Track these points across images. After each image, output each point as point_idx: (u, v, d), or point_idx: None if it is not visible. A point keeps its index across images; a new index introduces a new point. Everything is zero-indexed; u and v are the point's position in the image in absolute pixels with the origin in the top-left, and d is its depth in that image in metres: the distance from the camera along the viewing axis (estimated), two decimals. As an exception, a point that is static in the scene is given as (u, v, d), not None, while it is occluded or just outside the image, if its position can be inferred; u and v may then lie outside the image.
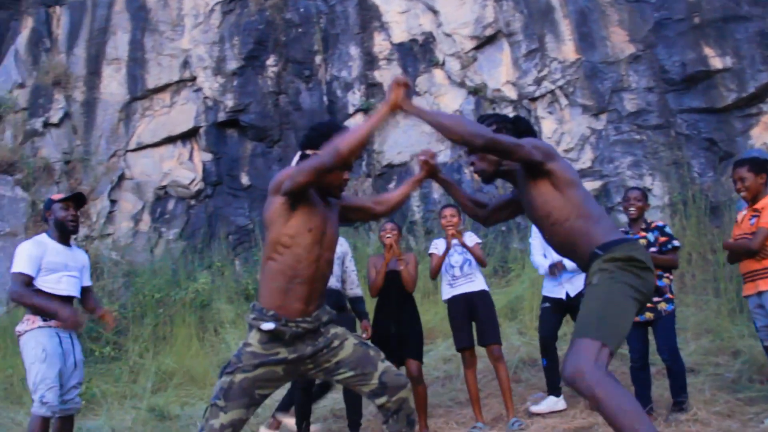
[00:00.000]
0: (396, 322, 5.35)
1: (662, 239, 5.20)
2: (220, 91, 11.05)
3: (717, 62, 9.52)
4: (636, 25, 10.03)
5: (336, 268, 5.15)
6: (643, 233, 5.26)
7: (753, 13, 9.50)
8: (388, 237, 5.42)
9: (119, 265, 9.78)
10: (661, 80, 9.83)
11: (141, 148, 10.98)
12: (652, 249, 5.18)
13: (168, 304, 8.59)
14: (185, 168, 10.93)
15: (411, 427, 3.24)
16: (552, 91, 10.27)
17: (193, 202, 10.90)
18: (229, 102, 11.01)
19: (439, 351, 7.54)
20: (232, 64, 11.18)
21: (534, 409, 5.50)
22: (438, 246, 5.76)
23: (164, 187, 10.88)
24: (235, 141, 11.09)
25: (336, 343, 3.19)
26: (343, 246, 5.25)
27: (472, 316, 5.53)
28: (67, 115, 10.83)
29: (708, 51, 9.57)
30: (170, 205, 10.87)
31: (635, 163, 9.79)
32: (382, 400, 3.17)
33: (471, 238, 5.65)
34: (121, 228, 10.52)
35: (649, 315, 5.12)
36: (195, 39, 11.54)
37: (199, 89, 11.15)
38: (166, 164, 10.94)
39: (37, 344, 4.27)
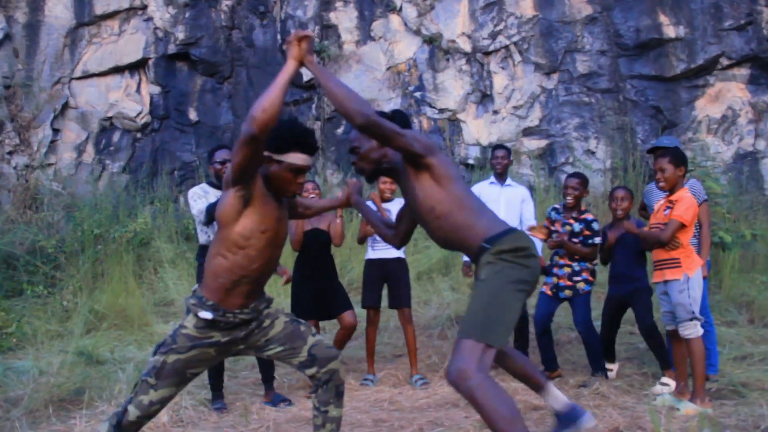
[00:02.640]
0: (318, 278, 5.52)
1: (587, 233, 5.46)
2: (171, 23, 10.74)
3: (671, 31, 9.58)
4: (595, -15, 9.98)
5: None
6: (572, 220, 5.44)
7: (710, -17, 9.52)
8: (312, 197, 5.50)
9: (60, 197, 9.65)
10: (615, 44, 9.88)
11: (87, 76, 10.67)
12: (575, 239, 5.47)
13: (107, 241, 8.54)
14: (132, 100, 10.70)
15: (339, 397, 3.36)
16: (507, 47, 10.23)
17: (139, 135, 10.71)
18: (180, 34, 10.72)
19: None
20: (185, -5, 10.84)
21: None
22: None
23: (110, 118, 10.65)
24: (184, 75, 10.86)
25: (267, 322, 3.25)
26: None
27: (386, 279, 5.73)
28: (7, 37, 10.42)
29: (663, 19, 9.61)
30: (115, 137, 10.68)
31: (582, 125, 9.91)
32: (312, 371, 3.28)
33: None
34: (63, 158, 10.32)
35: (568, 293, 5.49)
36: (147, -36, 11.11)
37: (149, 19, 10.81)
38: (113, 95, 10.68)
39: None
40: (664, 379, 5.13)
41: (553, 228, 5.59)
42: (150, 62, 10.74)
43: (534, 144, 9.77)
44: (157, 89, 10.74)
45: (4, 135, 10.07)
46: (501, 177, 6.07)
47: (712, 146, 9.34)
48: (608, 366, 5.45)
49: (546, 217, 5.83)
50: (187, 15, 10.79)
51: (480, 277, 2.93)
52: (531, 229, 5.47)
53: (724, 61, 9.50)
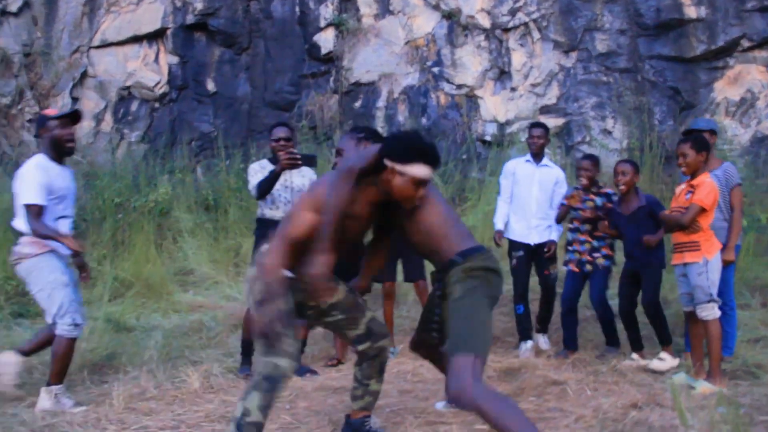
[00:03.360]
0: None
1: (609, 205, 5.53)
2: (189, -8, 10.74)
3: (692, 11, 9.54)
4: (617, -37, 9.92)
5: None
6: (592, 196, 5.55)
7: (733, -36, 9.46)
8: None
9: (79, 165, 9.73)
10: (635, 24, 9.85)
11: (105, 45, 10.70)
12: (600, 213, 5.62)
13: (128, 210, 8.66)
14: (150, 70, 10.74)
15: (382, 373, 3.50)
16: (526, 24, 10.21)
17: (157, 105, 10.77)
18: (198, 4, 10.71)
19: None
20: (205, -35, 10.82)
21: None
22: None
23: (128, 87, 10.70)
24: (202, 45, 10.87)
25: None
26: (306, 176, 5.36)
27: (400, 254, 5.86)
28: (26, 5, 10.43)
29: (684, -1, 9.56)
30: (133, 106, 10.74)
31: (599, 104, 9.93)
32: (365, 345, 3.40)
33: None
34: (82, 127, 10.38)
35: (589, 267, 5.66)
36: (166, -67, 11.07)
37: (167, -12, 10.82)
38: (131, 64, 10.72)
39: (56, 267, 4.22)
40: (662, 354, 5.27)
41: (575, 206, 5.70)
42: (168, 32, 10.76)
43: (551, 122, 9.76)
44: (175, 59, 10.77)
45: (24, 103, 10.14)
46: (537, 156, 6.04)
47: (730, 129, 9.35)
48: (634, 356, 5.49)
49: (565, 195, 5.94)
50: (205, -15, 10.78)
51: (455, 295, 3.04)
52: (569, 198, 5.63)
53: (745, 43, 9.47)
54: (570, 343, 5.71)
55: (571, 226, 5.84)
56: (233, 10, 10.78)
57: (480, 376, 2.85)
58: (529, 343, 5.85)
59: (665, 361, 5.20)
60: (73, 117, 4.46)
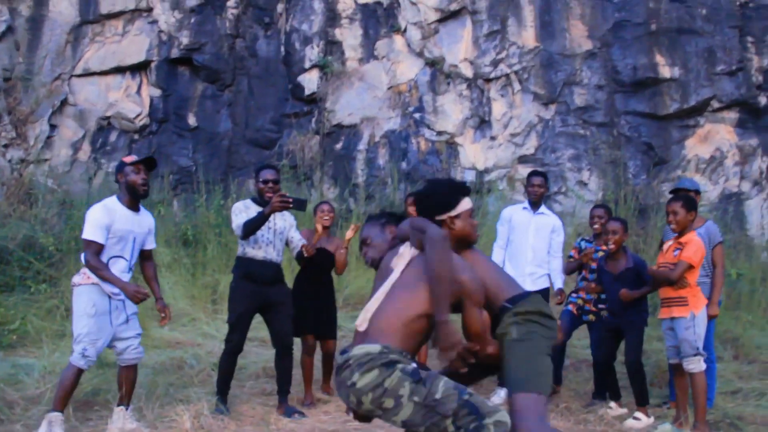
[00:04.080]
0: (319, 295, 5.77)
1: (600, 253, 5.70)
2: (176, 27, 10.78)
3: (666, 71, 9.92)
4: (596, 22, 10.30)
5: (278, 243, 5.31)
6: (603, 246, 5.70)
7: (705, 29, 9.91)
8: (325, 219, 5.73)
9: (54, 194, 9.58)
10: (612, 80, 10.19)
11: (87, 74, 10.64)
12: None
13: (104, 241, 8.52)
14: (132, 101, 10.69)
15: None
16: (507, 75, 10.48)
17: (136, 136, 10.70)
18: (185, 39, 10.76)
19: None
20: (192, 1, 10.88)
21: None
22: None
23: (108, 117, 10.62)
24: (186, 80, 10.89)
25: None
26: (287, 220, 5.41)
27: None
28: (10, 30, 10.35)
29: (659, 59, 9.95)
30: (112, 136, 10.65)
31: (576, 157, 10.18)
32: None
33: None
34: (59, 155, 10.26)
35: (591, 317, 5.93)
36: (155, -33, 11.14)
37: (154, 21, 10.84)
38: (113, 95, 10.66)
39: (89, 299, 4.40)
40: (638, 414, 5.33)
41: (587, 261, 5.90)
42: (152, 65, 10.76)
43: (529, 171, 9.97)
44: (157, 92, 10.75)
45: (0, 127, 9.98)
46: (535, 205, 6.16)
47: (700, 185, 9.64)
48: (612, 405, 5.60)
49: (574, 248, 6.13)
50: (192, 20, 10.84)
51: (511, 336, 3.02)
52: (584, 255, 5.80)
53: (715, 104, 9.87)
54: (556, 380, 5.82)
55: (580, 276, 6.04)
56: (219, 47, 10.84)
57: (545, 414, 2.88)
58: (503, 392, 5.87)
59: (641, 420, 5.30)
60: (147, 163, 4.68)
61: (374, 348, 2.77)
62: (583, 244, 6.10)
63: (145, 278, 4.92)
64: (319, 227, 5.57)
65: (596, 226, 5.97)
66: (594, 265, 5.85)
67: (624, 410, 5.53)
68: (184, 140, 10.74)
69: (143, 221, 4.69)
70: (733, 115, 9.90)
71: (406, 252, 3.09)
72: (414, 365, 2.80)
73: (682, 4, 10.03)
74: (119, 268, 4.50)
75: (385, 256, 3.25)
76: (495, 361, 3.05)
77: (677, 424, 5.07)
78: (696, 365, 5.00)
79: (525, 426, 2.79)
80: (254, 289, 5.17)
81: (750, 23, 9.96)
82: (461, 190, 3.26)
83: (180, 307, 7.93)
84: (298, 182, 10.27)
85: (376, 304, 2.95)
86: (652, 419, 5.34)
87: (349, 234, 5.68)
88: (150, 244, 4.83)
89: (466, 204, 3.21)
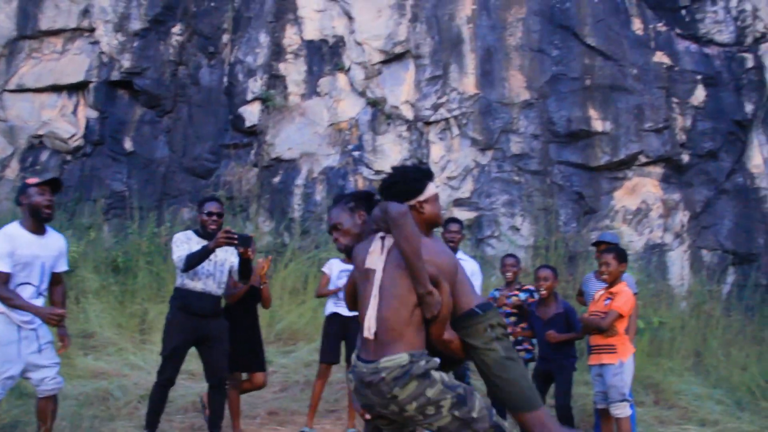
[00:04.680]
0: (241, 332, 5.65)
1: (531, 300, 5.85)
2: (118, 49, 10.64)
3: (598, 125, 10.34)
4: (534, 73, 10.68)
5: (219, 274, 5.24)
6: (516, 291, 5.86)
7: (635, 87, 10.40)
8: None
9: (-22, 212, 9.24)
10: (547, 130, 10.54)
11: (21, 90, 10.36)
12: (525, 305, 5.96)
13: (28, 264, 8.21)
14: (66, 121, 10.45)
15: None
16: (447, 119, 10.71)
17: (68, 157, 10.44)
18: (126, 62, 10.63)
19: (301, 355, 7.74)
20: (136, 24, 10.79)
21: None
22: (332, 267, 6.04)
23: (40, 136, 10.34)
24: (124, 103, 10.72)
25: None
26: (228, 250, 5.34)
27: (344, 336, 5.87)
28: (-57, 41, 10.06)
29: (592, 113, 10.37)
30: (44, 156, 10.36)
31: (510, 202, 10.44)
32: None
33: None
34: (-15, 172, 9.94)
35: None
36: (100, -12, 11.01)
37: (96, 42, 10.68)
38: (47, 113, 10.40)
39: None
40: None
41: (501, 305, 6.03)
42: (90, 86, 10.57)
43: (463, 215, 10.16)
44: (94, 114, 10.55)
45: (-76, 140, 9.60)
46: (453, 251, 6.22)
47: (626, 235, 10.04)
48: None
49: (489, 298, 6.24)
50: (135, 44, 10.73)
51: (502, 354, 3.14)
52: (498, 300, 5.91)
53: (642, 158, 10.32)
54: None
55: None
56: (161, 72, 10.75)
57: (555, 421, 3.10)
58: None
59: None
60: (52, 184, 4.49)
61: (402, 359, 2.93)
62: (497, 294, 6.25)
63: (51, 303, 4.73)
64: (260, 268, 5.56)
65: (509, 274, 6.16)
66: (508, 309, 5.97)
67: None
68: (118, 164, 10.52)
69: (51, 244, 4.53)
70: (658, 169, 10.36)
71: (377, 247, 3.13)
72: (442, 370, 3.01)
73: (615, 63, 10.52)
74: (27, 295, 4.32)
75: (357, 245, 3.29)
76: (449, 352, 3.12)
77: (602, 467, 5.21)
78: (622, 411, 5.20)
79: None
80: (191, 321, 5.08)
81: (675, 85, 10.51)
82: (427, 174, 3.31)
83: (107, 336, 7.70)
84: (233, 214, 10.17)
85: (374, 312, 3.02)
86: (572, 465, 5.46)
87: (263, 267, 5.60)
88: (61, 267, 4.70)
89: (432, 188, 3.28)
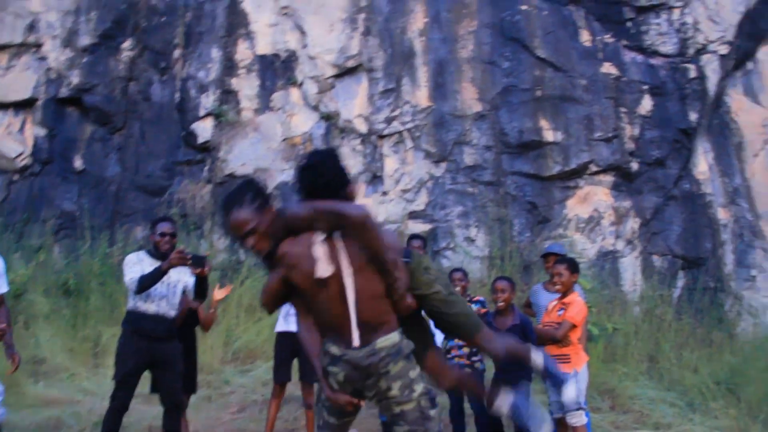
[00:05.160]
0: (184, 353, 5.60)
1: (482, 311, 5.94)
2: (66, 65, 10.47)
3: (549, 135, 10.50)
4: (486, 85, 10.81)
5: (172, 296, 5.18)
6: (469, 304, 5.90)
7: (584, 98, 10.61)
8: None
9: None
10: (500, 141, 10.67)
11: (-35, 108, 10.15)
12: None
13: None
14: (13, 139, 10.23)
15: None
16: (400, 132, 10.77)
17: (16, 177, 10.21)
18: (75, 78, 10.46)
19: (259, 373, 7.67)
20: (85, 40, 10.64)
21: None
22: None
23: (-15, 156, 10.12)
24: (74, 120, 10.55)
25: None
26: (182, 271, 5.29)
27: (296, 353, 5.92)
28: None
29: (543, 123, 10.53)
30: (-10, 176, 10.13)
31: (464, 213, 10.52)
32: None
33: None
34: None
35: (468, 370, 5.93)
36: (47, 3, 10.83)
37: (43, 58, 10.49)
38: (-8, 132, 10.19)
39: None
40: None
41: None
42: (38, 103, 10.37)
43: (418, 227, 10.22)
44: (42, 132, 10.36)
45: None
46: None
47: (579, 243, 10.20)
48: None
49: None
50: (84, 60, 10.58)
51: (444, 293, 3.40)
52: None
53: (593, 168, 10.51)
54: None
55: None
56: (111, 89, 10.60)
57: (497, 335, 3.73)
58: None
59: None
60: None
61: (395, 337, 3.07)
62: None
63: None
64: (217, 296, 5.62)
65: (457, 288, 6.16)
66: None
67: None
68: (68, 183, 10.33)
69: None
70: (609, 178, 10.57)
71: (323, 252, 3.03)
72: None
73: (564, 74, 10.72)
74: None
75: (287, 249, 3.08)
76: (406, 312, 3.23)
77: (559, 475, 5.27)
78: (578, 419, 5.28)
79: (507, 340, 3.84)
80: (144, 345, 5.00)
81: (623, 95, 10.74)
82: (340, 158, 3.34)
83: (58, 361, 7.51)
84: (187, 232, 10.05)
85: (355, 317, 3.03)
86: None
87: (220, 294, 5.60)
88: (1, 288, 4.64)
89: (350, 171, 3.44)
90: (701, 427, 6.99)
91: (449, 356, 6.09)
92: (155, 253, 5.14)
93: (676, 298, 10.01)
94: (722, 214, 10.49)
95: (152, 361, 5.07)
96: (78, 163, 10.40)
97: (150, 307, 5.05)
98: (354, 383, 3.06)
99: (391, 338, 3.03)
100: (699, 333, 9.33)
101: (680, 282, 10.20)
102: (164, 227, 5.18)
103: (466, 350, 5.98)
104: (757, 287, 10.18)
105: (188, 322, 5.65)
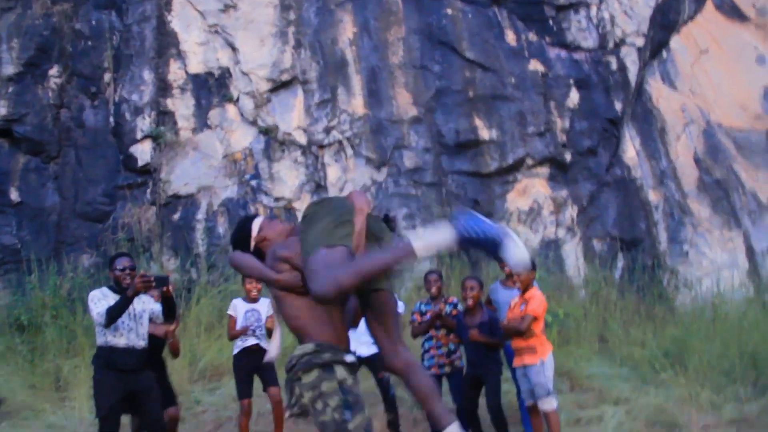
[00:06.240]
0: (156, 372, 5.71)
1: (455, 312, 6.28)
2: (-9, 97, 10.18)
3: (485, 133, 10.87)
4: (419, 89, 11.10)
5: (139, 327, 5.24)
6: (442, 305, 6.21)
7: (515, 95, 11.02)
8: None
9: None
10: (438, 143, 10.97)
11: None
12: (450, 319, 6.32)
13: None
14: (-57, 177, 9.87)
15: None
16: (340, 141, 10.93)
17: (-51, 214, 9.86)
18: (2, 109, 10.15)
19: (229, 390, 7.66)
20: (9, 69, 10.34)
21: None
22: (237, 308, 6.24)
23: None
24: (5, 152, 10.22)
25: None
26: (145, 301, 5.36)
27: (255, 368, 6.18)
28: None
29: (478, 122, 10.89)
30: None
31: (410, 215, 10.76)
32: None
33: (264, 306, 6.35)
34: None
35: (447, 369, 6.29)
36: (-36, 34, 10.50)
37: (-34, 91, 10.17)
38: None
39: None
40: None
41: (424, 318, 6.31)
42: (-34, 138, 10.04)
43: (367, 231, 10.38)
44: (-28, 166, 10.02)
45: None
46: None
47: (523, 234, 10.58)
48: None
49: (414, 312, 6.52)
50: (10, 90, 10.29)
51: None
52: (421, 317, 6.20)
53: (529, 161, 10.94)
54: None
55: (425, 335, 6.39)
56: (41, 117, 10.35)
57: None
58: None
59: None
60: None
61: (308, 347, 3.10)
62: (423, 307, 6.52)
63: None
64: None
65: (433, 289, 6.48)
66: (438, 323, 6.29)
67: None
68: (5, 216, 10.00)
69: None
70: (545, 170, 11.01)
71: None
72: (347, 372, 3.08)
73: (494, 73, 11.12)
74: None
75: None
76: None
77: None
78: (549, 404, 5.61)
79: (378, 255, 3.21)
80: (119, 379, 5.07)
81: (551, 90, 11.23)
82: (245, 221, 3.72)
83: (20, 399, 7.31)
84: (136, 255, 9.90)
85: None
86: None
87: (171, 327, 5.75)
88: None
89: (256, 223, 3.64)
90: (657, 398, 7.35)
91: (427, 356, 6.32)
92: (117, 288, 5.24)
93: (618, 279, 10.51)
94: (653, 196, 11.10)
95: (129, 394, 5.13)
96: (14, 195, 10.09)
97: (120, 341, 5.12)
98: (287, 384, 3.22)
99: (305, 348, 3.11)
100: (642, 309, 9.83)
101: (620, 263, 10.72)
102: (124, 261, 5.32)
103: (444, 349, 6.21)
104: (690, 261, 10.81)
105: (155, 350, 5.73)
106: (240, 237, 3.65)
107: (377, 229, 3.40)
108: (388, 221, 3.53)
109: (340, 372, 3.05)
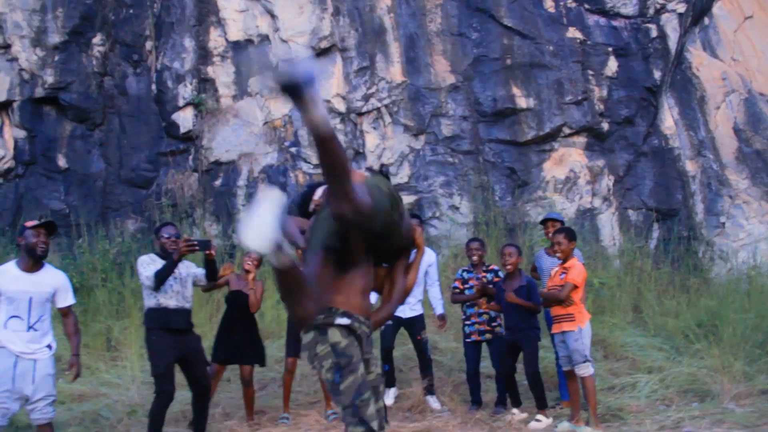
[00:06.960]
0: (236, 332, 6.28)
1: (497, 279, 6.34)
2: (39, 65, 10.41)
3: (522, 102, 10.88)
4: (457, 57, 11.11)
5: (185, 290, 5.56)
6: (483, 273, 6.37)
7: (554, 63, 10.99)
8: (248, 264, 6.35)
9: None
10: (475, 111, 11.02)
11: (-59, 116, 10.05)
12: (490, 286, 6.52)
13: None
14: (-6, 144, 10.19)
15: None
16: (378, 109, 11.03)
17: (0, 180, 10.19)
18: (49, 78, 10.42)
19: (271, 352, 7.95)
20: (55, 38, 10.57)
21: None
22: None
23: (-33, 161, 10.07)
24: (52, 120, 10.52)
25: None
26: (188, 265, 5.67)
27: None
28: None
29: (516, 91, 10.90)
30: (-27, 181, 10.09)
31: (447, 183, 10.88)
32: None
33: None
34: None
35: (488, 336, 6.57)
36: (11, 3, 10.70)
37: (14, 59, 10.40)
38: (-28, 137, 10.13)
39: None
40: (539, 416, 6.05)
41: (466, 286, 6.49)
42: (14, 104, 10.32)
43: (404, 199, 10.47)
44: (22, 133, 10.31)
45: None
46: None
47: (558, 203, 10.65)
48: (514, 411, 6.23)
49: (456, 278, 6.70)
50: (56, 58, 10.52)
51: None
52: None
53: (566, 130, 10.95)
54: (477, 399, 6.42)
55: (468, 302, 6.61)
56: (86, 85, 10.59)
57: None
58: (392, 390, 6.71)
59: (541, 422, 5.98)
60: (48, 227, 4.88)
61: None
62: (465, 275, 6.71)
63: (65, 334, 5.20)
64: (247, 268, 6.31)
65: (474, 258, 6.68)
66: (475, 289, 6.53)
67: (525, 414, 6.14)
68: (54, 183, 10.34)
69: (43, 281, 4.87)
70: (582, 139, 11.02)
71: None
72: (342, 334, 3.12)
73: (532, 41, 11.08)
74: (16, 327, 4.69)
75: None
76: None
77: (574, 422, 5.73)
78: (586, 370, 5.76)
79: None
80: (173, 338, 5.40)
81: (589, 58, 11.16)
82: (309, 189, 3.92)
83: (75, 358, 7.68)
84: (179, 221, 10.20)
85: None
86: (551, 419, 5.98)
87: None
88: (62, 302, 5.06)
89: (318, 193, 3.77)
90: (689, 368, 7.47)
91: (468, 323, 6.54)
92: (163, 254, 5.56)
93: (653, 249, 10.57)
94: (690, 166, 11.06)
95: (179, 354, 5.45)
96: (61, 161, 10.41)
97: (171, 302, 5.45)
98: None
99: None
100: (677, 280, 9.89)
101: (655, 233, 10.76)
102: (169, 230, 5.67)
103: (485, 317, 6.42)
104: (726, 233, 10.80)
105: (241, 305, 6.26)
106: (303, 200, 3.84)
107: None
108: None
109: (334, 334, 3.09)
